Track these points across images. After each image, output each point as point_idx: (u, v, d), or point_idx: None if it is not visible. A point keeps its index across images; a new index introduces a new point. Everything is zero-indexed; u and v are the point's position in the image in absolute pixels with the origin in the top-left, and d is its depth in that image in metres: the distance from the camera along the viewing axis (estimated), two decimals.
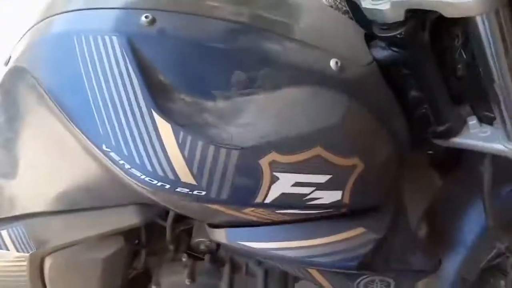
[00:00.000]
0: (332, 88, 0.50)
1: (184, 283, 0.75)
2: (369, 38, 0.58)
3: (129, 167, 0.45)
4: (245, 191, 0.47)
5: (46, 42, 0.48)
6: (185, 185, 0.45)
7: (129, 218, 0.65)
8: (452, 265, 0.79)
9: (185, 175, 0.45)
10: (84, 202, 0.61)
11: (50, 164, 0.57)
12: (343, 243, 0.56)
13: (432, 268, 0.65)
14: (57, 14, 0.49)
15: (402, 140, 0.58)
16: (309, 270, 0.61)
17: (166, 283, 0.78)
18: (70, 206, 0.64)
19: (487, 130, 0.59)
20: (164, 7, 0.47)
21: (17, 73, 0.51)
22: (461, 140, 0.62)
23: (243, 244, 0.58)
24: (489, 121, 0.58)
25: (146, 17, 0.46)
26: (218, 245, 0.75)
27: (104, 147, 0.45)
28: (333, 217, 0.55)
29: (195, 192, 0.46)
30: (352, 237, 0.56)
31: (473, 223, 0.78)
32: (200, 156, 0.45)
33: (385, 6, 0.51)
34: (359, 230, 0.56)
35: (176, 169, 0.45)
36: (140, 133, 0.44)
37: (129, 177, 0.47)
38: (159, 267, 0.80)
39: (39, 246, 0.66)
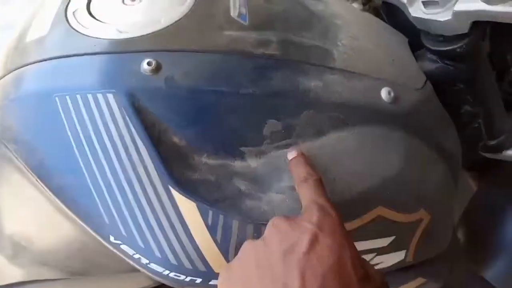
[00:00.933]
0: (385, 125, 0.40)
1: None
2: (411, 46, 0.49)
3: (147, 261, 0.35)
4: None
5: (18, 105, 0.37)
6: None
7: (141, 281, 0.56)
8: (493, 272, 0.73)
9: (220, 265, 0.35)
10: (86, 272, 0.52)
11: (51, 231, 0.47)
12: None
13: None
14: (29, 64, 0.37)
15: (458, 166, 0.50)
16: None
17: None
18: (69, 275, 0.55)
19: None
20: (168, 46, 0.36)
21: None
22: None
23: None
24: None
25: (148, 63, 0.35)
26: None
27: (112, 239, 0.35)
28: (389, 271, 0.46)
29: None
30: None
31: None
32: (237, 238, 0.35)
33: (444, 17, 0.41)
34: (419, 281, 0.48)
35: (208, 259, 0.35)
36: (157, 219, 0.34)
37: (148, 273, 0.37)
38: None
39: None
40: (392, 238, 0.40)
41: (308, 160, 0.36)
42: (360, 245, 0.39)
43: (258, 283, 0.29)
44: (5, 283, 0.56)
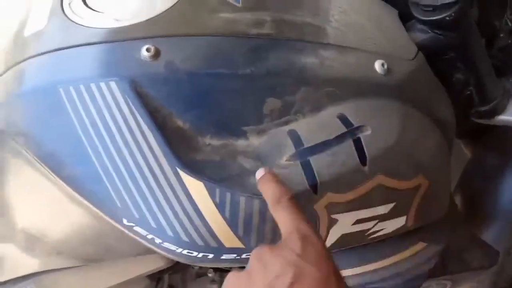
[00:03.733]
0: (381, 97, 0.41)
1: None
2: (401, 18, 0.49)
3: (160, 241, 0.37)
4: None
5: (23, 99, 0.37)
6: (232, 250, 0.37)
7: (154, 263, 0.57)
8: (491, 236, 0.75)
9: (230, 240, 0.37)
10: (100, 258, 0.54)
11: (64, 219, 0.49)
12: (404, 263, 0.49)
13: (490, 263, 0.60)
14: (29, 58, 0.38)
15: (452, 133, 0.51)
16: None
17: None
18: (84, 262, 0.56)
19: None
20: (165, 31, 0.37)
21: None
22: (507, 117, 0.56)
23: None
24: None
25: (147, 50, 0.35)
26: None
27: (125, 221, 0.37)
28: (390, 238, 0.48)
29: (243, 256, 0.38)
30: (413, 254, 0.49)
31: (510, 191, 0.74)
32: (244, 214, 0.36)
33: None
34: (420, 245, 0.50)
35: (218, 235, 0.36)
36: (167, 199, 0.36)
37: (162, 252, 0.38)
38: (183, 284, 0.75)
39: None
40: (392, 205, 0.41)
41: (278, 177, 0.34)
42: (362, 213, 0.40)
43: None
44: (21, 274, 0.58)
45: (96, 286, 0.60)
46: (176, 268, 0.71)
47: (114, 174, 0.36)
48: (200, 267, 0.72)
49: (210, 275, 0.72)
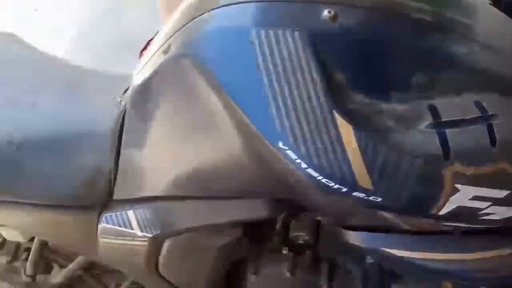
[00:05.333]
0: None
1: (283, 275, 0.75)
2: None
3: (305, 166, 0.44)
4: (423, 201, 0.45)
5: (219, 34, 0.47)
6: (362, 190, 0.44)
7: (259, 211, 0.64)
8: None
9: (364, 180, 0.43)
10: (217, 190, 0.61)
11: (193, 148, 0.57)
12: (490, 261, 0.52)
13: None
14: (228, 5, 0.47)
15: None
16: (444, 283, 0.58)
17: (266, 273, 0.78)
18: (201, 193, 0.64)
19: None
20: (345, 1, 0.45)
21: (182, 61, 0.50)
22: None
23: (383, 250, 0.56)
24: None
25: (328, 12, 0.44)
26: (317, 240, 0.74)
27: (280, 144, 0.44)
28: (483, 233, 0.51)
29: (371, 198, 0.44)
30: (498, 257, 0.52)
31: None
32: (382, 162, 0.42)
33: None
34: (507, 251, 0.52)
35: (356, 173, 0.43)
36: (320, 133, 0.43)
37: (304, 177, 0.45)
38: (257, 256, 0.80)
39: (163, 228, 0.67)
40: (508, 192, 0.45)
41: None
42: (480, 191, 0.45)
43: None
44: (143, 195, 0.67)
45: (201, 221, 0.68)
46: (258, 235, 0.76)
47: (281, 104, 0.44)
48: (277, 243, 0.78)
49: (284, 252, 0.77)
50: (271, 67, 0.44)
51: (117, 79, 0.80)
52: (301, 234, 0.73)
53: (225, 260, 0.74)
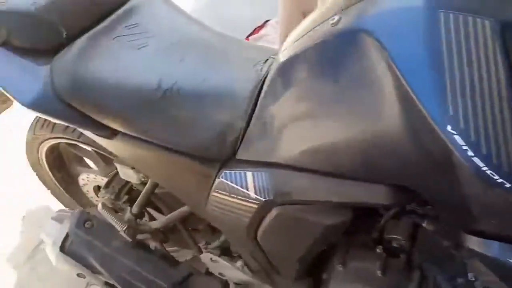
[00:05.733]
0: None
1: (372, 273, 0.74)
2: None
3: (472, 154, 0.44)
4: None
5: (404, 13, 0.48)
6: None
7: (380, 197, 0.63)
8: None
9: None
10: (343, 168, 0.62)
11: (334, 122, 0.58)
12: None
13: None
14: None
15: None
16: None
17: (354, 266, 0.78)
18: (325, 168, 0.65)
19: None
20: None
21: (357, 35, 0.51)
22: None
23: None
24: None
25: None
26: (412, 247, 0.72)
27: (449, 128, 0.45)
28: None
29: None
30: None
31: None
32: None
33: None
34: None
35: None
36: (494, 124, 0.43)
37: (465, 165, 0.45)
38: (347, 247, 0.79)
39: (277, 196, 0.70)
40: None
41: None
42: None
43: None
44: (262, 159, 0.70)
45: (317, 197, 0.69)
46: (354, 226, 0.75)
47: (458, 89, 0.44)
48: (371, 240, 0.77)
49: (378, 251, 0.76)
50: (455, 52, 0.44)
51: (259, 49, 0.85)
52: (397, 237, 0.73)
53: (326, 240, 0.75)
